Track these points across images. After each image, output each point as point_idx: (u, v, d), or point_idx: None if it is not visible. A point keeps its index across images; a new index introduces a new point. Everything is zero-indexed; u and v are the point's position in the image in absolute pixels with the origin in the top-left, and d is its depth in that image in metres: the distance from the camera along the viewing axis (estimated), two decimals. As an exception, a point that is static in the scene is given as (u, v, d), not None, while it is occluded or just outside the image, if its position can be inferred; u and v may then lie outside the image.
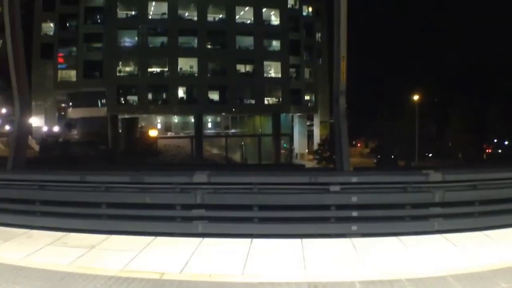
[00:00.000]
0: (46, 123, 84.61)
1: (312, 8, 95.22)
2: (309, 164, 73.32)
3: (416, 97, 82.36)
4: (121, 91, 78.62)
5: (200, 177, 11.61)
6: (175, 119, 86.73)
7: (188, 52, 79.72)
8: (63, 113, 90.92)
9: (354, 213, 11.40)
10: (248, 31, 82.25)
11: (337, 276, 8.79)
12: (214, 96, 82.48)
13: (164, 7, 78.96)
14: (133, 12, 78.98)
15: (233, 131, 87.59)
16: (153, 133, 76.10)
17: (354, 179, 11.59)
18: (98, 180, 12.28)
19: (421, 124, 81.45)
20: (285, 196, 11.62)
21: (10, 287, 8.31)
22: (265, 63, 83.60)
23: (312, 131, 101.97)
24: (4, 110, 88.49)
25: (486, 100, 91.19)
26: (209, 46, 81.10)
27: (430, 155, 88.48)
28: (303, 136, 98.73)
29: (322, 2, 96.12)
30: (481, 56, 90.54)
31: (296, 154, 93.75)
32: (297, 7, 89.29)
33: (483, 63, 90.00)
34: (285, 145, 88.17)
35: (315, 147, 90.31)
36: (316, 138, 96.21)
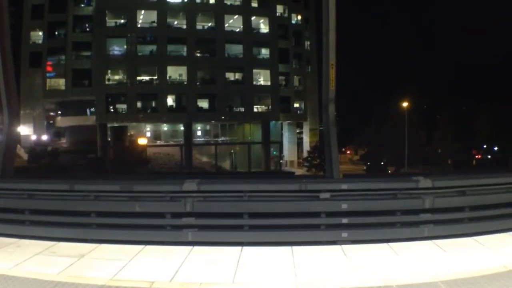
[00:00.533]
0: (35, 131, 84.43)
1: (301, 16, 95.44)
2: (299, 172, 73.50)
3: (405, 104, 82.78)
4: (110, 99, 78.58)
5: (190, 185, 11.56)
6: (165, 127, 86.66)
7: (177, 60, 79.85)
8: (52, 121, 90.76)
9: (344, 220, 11.38)
10: (237, 39, 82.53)
11: (327, 283, 8.80)
12: (204, 104, 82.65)
13: (153, 16, 79.09)
14: (122, 21, 79.09)
15: (222, 139, 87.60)
16: (142, 141, 76.04)
17: (344, 186, 11.58)
18: (87, 189, 12.21)
19: (410, 131, 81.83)
20: (275, 203, 11.60)
21: (-1, 296, 8.30)
22: (254, 71, 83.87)
23: (302, 138, 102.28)
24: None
25: (475, 105, 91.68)
26: (198, 54, 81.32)
27: (417, 162, 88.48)
28: (293, 144, 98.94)
29: (311, 10, 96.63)
30: (469, 62, 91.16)
31: (286, 162, 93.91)
32: (286, 15, 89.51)
33: (472, 69, 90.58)
34: (274, 152, 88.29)
35: (305, 154, 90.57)
36: (306, 146, 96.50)
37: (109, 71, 78.99)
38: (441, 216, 11.66)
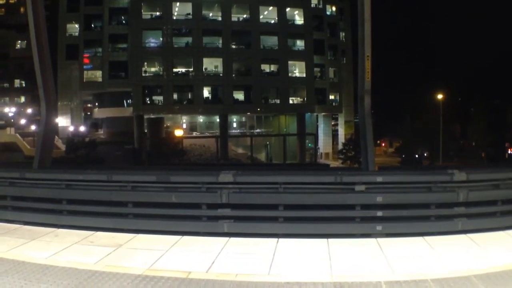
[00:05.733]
0: (72, 122, 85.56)
1: (336, 7, 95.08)
2: (334, 164, 73.27)
3: (440, 96, 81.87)
4: (146, 91, 79.25)
5: (226, 176, 11.62)
6: (200, 119, 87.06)
7: (212, 52, 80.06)
8: (89, 113, 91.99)
9: (379, 213, 11.32)
10: (272, 31, 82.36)
11: (363, 276, 8.78)
12: (239, 95, 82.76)
13: (188, 8, 79.34)
14: (157, 13, 79.54)
15: (258, 130, 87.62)
16: (178, 132, 76.27)
17: (379, 179, 11.50)
18: (125, 179, 12.34)
19: (445, 124, 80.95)
20: (311, 195, 11.57)
21: (36, 285, 8.41)
22: (290, 62, 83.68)
23: (337, 130, 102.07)
24: (29, 110, 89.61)
25: (509, 99, 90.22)
26: (233, 46, 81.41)
27: (452, 155, 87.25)
28: (328, 136, 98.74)
29: (346, 1, 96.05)
30: (504, 54, 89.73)
31: (321, 154, 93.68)
32: (320, 6, 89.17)
33: (507, 61, 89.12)
34: (310, 144, 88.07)
35: (340, 146, 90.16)
36: (341, 138, 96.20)
37: (145, 63, 79.60)
38: (475, 210, 11.56)
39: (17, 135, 70.73)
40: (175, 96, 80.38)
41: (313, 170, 17.39)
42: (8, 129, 73.16)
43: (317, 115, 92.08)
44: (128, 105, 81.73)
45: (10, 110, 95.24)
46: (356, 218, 11.47)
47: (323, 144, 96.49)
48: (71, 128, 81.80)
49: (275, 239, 11.01)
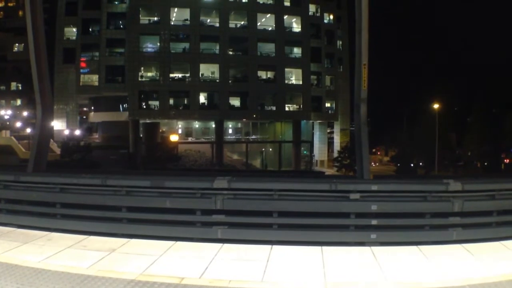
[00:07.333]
0: (68, 126, 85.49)
1: (334, 15, 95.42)
2: (329, 172, 73.36)
3: (436, 106, 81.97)
4: (142, 96, 79.14)
5: (221, 182, 11.58)
6: (196, 124, 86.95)
7: (209, 58, 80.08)
8: (84, 116, 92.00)
9: (374, 222, 11.32)
10: (270, 38, 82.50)
11: (356, 284, 8.77)
12: (235, 102, 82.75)
13: (186, 13, 79.42)
14: (155, 18, 79.54)
15: (253, 137, 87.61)
16: (174, 138, 76.27)
17: (374, 187, 11.47)
18: (119, 184, 12.29)
19: (441, 133, 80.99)
20: (305, 203, 11.54)
21: (30, 289, 8.40)
22: (286, 69, 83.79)
23: (332, 138, 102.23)
24: (25, 113, 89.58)
25: (505, 109, 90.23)
26: (230, 52, 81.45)
27: (448, 164, 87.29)
28: (323, 143, 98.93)
29: (343, 9, 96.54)
30: (501, 64, 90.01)
31: (316, 161, 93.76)
32: (318, 14, 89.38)
33: (504, 71, 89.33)
34: (305, 152, 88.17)
35: (335, 154, 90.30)
36: (336, 146, 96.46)
37: (142, 68, 79.55)
38: (470, 220, 11.54)
39: (13, 138, 70.65)
40: (171, 101, 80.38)
41: (308, 178, 17.38)
42: (3, 132, 73.05)
43: (313, 123, 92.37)
44: (124, 109, 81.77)
45: (6, 113, 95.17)
46: (351, 226, 11.47)
47: (319, 151, 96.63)
48: (67, 132, 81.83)
49: (269, 246, 10.98)
